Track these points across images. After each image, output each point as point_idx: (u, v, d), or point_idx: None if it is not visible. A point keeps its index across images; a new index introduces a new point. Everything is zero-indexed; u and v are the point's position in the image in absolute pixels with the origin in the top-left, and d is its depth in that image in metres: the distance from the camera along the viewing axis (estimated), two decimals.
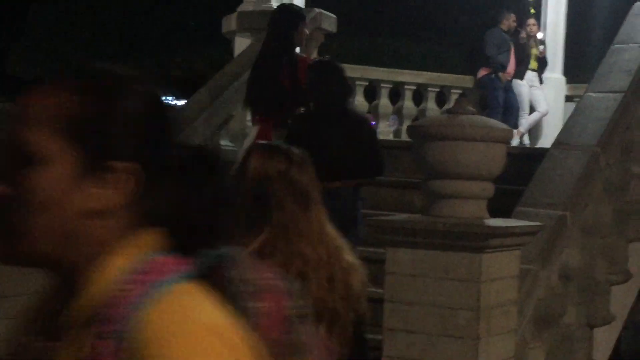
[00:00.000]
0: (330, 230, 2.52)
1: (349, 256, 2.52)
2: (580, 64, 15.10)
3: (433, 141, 4.25)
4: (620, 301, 5.68)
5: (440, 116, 4.97)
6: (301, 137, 5.53)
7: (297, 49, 6.65)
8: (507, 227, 4.29)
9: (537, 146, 10.35)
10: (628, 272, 5.66)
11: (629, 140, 5.86)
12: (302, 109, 5.86)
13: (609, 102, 5.82)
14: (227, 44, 8.99)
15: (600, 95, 5.94)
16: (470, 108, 4.33)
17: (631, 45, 6.15)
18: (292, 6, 6.82)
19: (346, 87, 5.75)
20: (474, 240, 4.13)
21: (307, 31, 6.66)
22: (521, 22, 11.26)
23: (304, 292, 2.36)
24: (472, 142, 4.17)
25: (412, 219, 4.37)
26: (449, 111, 4.45)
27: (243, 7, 8.47)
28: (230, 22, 8.48)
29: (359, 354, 2.58)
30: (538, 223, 4.63)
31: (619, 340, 6.77)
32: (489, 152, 4.20)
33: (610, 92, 5.91)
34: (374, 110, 10.43)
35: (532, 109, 10.98)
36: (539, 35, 11.06)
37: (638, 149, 5.90)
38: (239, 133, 7.36)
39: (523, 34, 10.88)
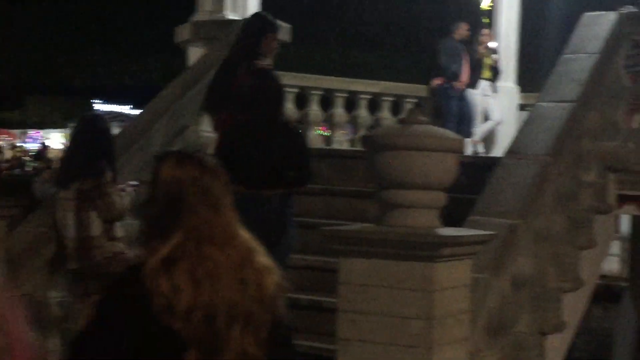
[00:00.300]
0: (243, 234, 2.58)
1: (263, 258, 2.57)
2: (534, 73, 15.25)
3: (386, 151, 4.26)
4: (572, 308, 5.74)
5: (392, 126, 4.99)
6: (231, 144, 5.62)
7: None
8: (458, 237, 4.31)
9: (491, 155, 10.44)
10: (579, 280, 5.72)
11: (580, 149, 5.93)
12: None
13: (559, 112, 5.89)
14: (181, 53, 8.96)
15: (551, 104, 6.00)
16: (423, 118, 4.35)
17: (581, 55, 6.23)
18: (264, 15, 6.82)
19: (279, 96, 5.79)
20: (426, 249, 4.15)
21: (276, 43, 6.66)
22: (475, 31, 11.37)
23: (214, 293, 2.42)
24: (425, 152, 4.19)
25: (364, 228, 4.38)
26: (401, 121, 4.46)
27: (197, 17, 8.45)
28: (183, 32, 8.46)
29: (283, 356, 2.61)
30: (490, 232, 4.66)
31: (572, 347, 6.84)
32: (441, 162, 4.23)
33: (561, 101, 5.98)
34: (329, 120, 10.45)
35: (486, 118, 11.08)
36: (492, 45, 11.16)
37: (588, 158, 5.97)
38: (195, 142, 7.33)
39: (481, 49, 10.97)
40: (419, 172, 4.19)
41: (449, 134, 4.46)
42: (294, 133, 5.80)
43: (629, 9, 8.80)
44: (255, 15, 6.90)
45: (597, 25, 6.40)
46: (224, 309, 2.43)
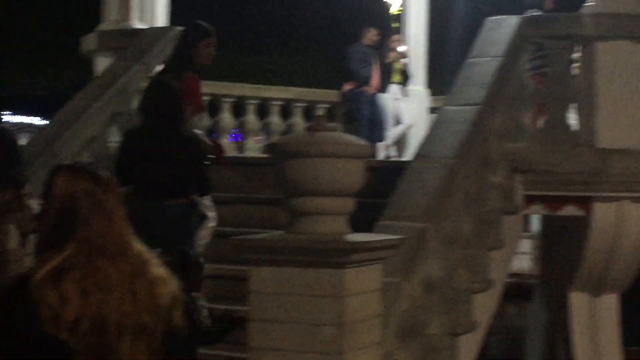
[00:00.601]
0: (137, 245, 2.61)
1: (157, 269, 2.60)
2: (443, 76, 15.46)
3: (293, 159, 4.27)
4: (482, 308, 5.82)
5: (299, 134, 5.01)
6: (129, 154, 5.65)
7: None
8: (367, 242, 4.34)
9: (402, 158, 10.54)
10: (489, 280, 5.81)
11: (486, 152, 6.02)
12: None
13: (465, 115, 5.98)
14: (88, 63, 8.84)
15: (457, 108, 6.09)
16: (330, 125, 4.38)
17: (485, 58, 6.33)
18: (196, 25, 6.80)
19: (176, 106, 5.82)
20: (335, 256, 4.18)
21: (211, 49, 6.64)
22: (385, 36, 11.47)
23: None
24: (331, 159, 4.21)
25: (273, 237, 4.39)
26: (308, 128, 4.48)
27: (103, 27, 8.34)
28: (89, 42, 8.36)
29: None
30: (399, 236, 4.71)
31: (485, 346, 6.93)
32: (348, 168, 4.25)
33: (467, 104, 6.07)
34: (242, 127, 10.43)
35: (397, 122, 11.18)
36: (402, 49, 11.27)
37: (494, 160, 6.06)
38: (103, 153, 7.23)
39: (391, 53, 11.07)
40: (326, 179, 4.21)
41: (356, 140, 4.48)
42: (194, 143, 5.84)
43: (533, 12, 9.00)
44: (190, 25, 6.91)
45: (500, 29, 6.51)
46: (113, 320, 2.46)
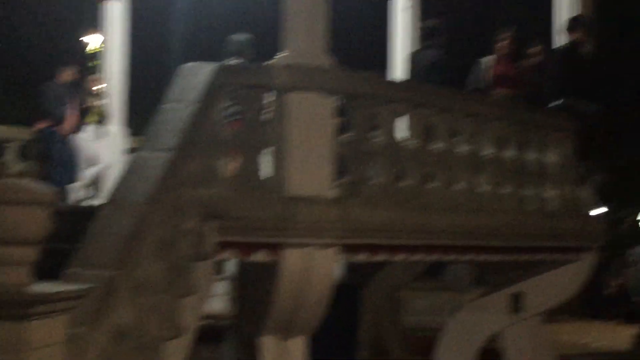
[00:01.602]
0: None
1: None
2: (145, 117, 15.39)
3: None
4: (174, 355, 5.78)
5: None
6: None
7: None
8: (51, 294, 4.22)
9: (98, 201, 10.33)
10: (179, 327, 5.79)
11: (179, 198, 6.02)
12: None
13: (159, 161, 5.95)
14: None
15: (151, 154, 6.06)
16: (10, 171, 4.23)
17: (180, 105, 6.35)
18: None
19: None
20: (15, 308, 4.02)
21: None
22: (84, 74, 11.26)
23: None
24: (11, 206, 4.07)
25: None
26: None
27: None
28: None
29: None
30: (86, 286, 4.60)
31: None
32: (29, 216, 4.13)
33: (161, 150, 6.05)
34: None
35: (93, 163, 10.96)
36: (100, 88, 11.11)
37: (187, 206, 6.08)
38: None
39: (88, 93, 10.88)
40: (6, 227, 4.07)
41: (39, 186, 4.34)
42: None
43: (234, 60, 9.19)
44: None
45: (196, 76, 6.55)
46: None
